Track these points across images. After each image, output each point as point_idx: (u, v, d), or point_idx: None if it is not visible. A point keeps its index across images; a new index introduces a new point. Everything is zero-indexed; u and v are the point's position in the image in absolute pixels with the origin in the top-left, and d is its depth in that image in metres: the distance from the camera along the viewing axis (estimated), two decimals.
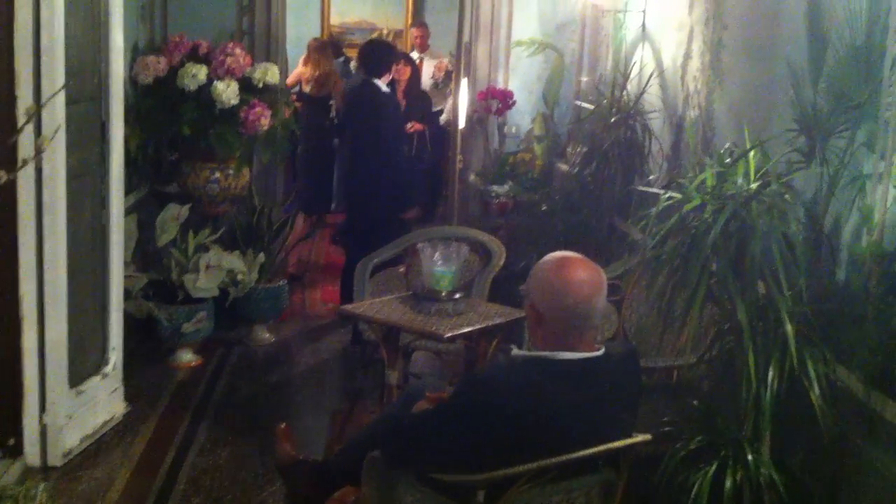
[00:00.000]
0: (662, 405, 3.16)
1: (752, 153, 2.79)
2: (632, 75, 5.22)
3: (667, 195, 2.73)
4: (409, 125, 7.93)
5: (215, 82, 5.47)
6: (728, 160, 2.84)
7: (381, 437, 2.71)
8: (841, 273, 3.09)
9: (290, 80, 9.13)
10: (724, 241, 2.66)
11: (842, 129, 3.15)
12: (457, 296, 3.82)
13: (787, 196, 2.79)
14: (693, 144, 3.74)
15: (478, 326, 3.66)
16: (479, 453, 2.39)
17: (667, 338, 3.53)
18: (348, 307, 3.95)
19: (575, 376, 2.43)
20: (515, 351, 2.56)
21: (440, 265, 3.80)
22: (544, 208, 5.31)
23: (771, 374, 2.63)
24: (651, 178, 4.60)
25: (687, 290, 2.63)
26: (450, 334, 3.54)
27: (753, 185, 2.70)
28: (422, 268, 3.95)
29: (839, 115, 3.17)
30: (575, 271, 2.44)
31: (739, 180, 2.70)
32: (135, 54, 5.59)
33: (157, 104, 5.50)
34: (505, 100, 6.34)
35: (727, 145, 3.04)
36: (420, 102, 8.01)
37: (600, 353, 2.49)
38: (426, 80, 8.58)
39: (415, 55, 8.73)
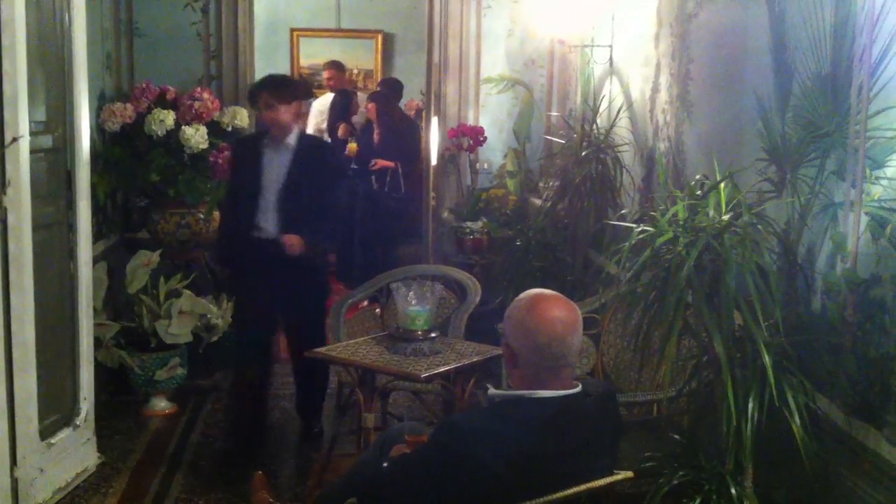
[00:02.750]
0: (643, 440, 3.12)
1: (722, 185, 2.78)
2: (601, 109, 5.24)
3: (639, 229, 2.71)
4: (372, 162, 7.95)
5: (183, 127, 5.45)
6: (699, 192, 2.83)
7: (359, 485, 2.65)
8: (816, 302, 3.08)
9: None
10: (698, 273, 2.64)
11: (811, 158, 3.16)
12: (433, 335, 3.78)
13: (759, 226, 2.78)
14: (664, 177, 3.75)
15: (455, 365, 3.62)
16: (457, 500, 2.34)
17: (645, 372, 3.51)
18: (321, 350, 3.89)
19: (553, 415, 2.39)
20: (492, 391, 2.52)
21: (415, 304, 3.76)
22: (518, 243, 5.29)
23: (751, 405, 2.60)
24: (624, 211, 4.60)
25: (663, 324, 2.60)
26: (426, 374, 3.49)
27: (725, 217, 2.70)
28: (396, 307, 3.91)
29: (808, 144, 3.18)
30: (549, 309, 2.41)
31: (711, 212, 2.69)
32: (101, 102, 5.57)
33: (126, 151, 5.48)
34: (476, 136, 6.35)
35: (697, 177, 3.04)
36: (397, 138, 7.96)
37: (577, 390, 2.46)
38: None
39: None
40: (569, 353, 2.43)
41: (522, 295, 2.47)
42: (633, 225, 2.74)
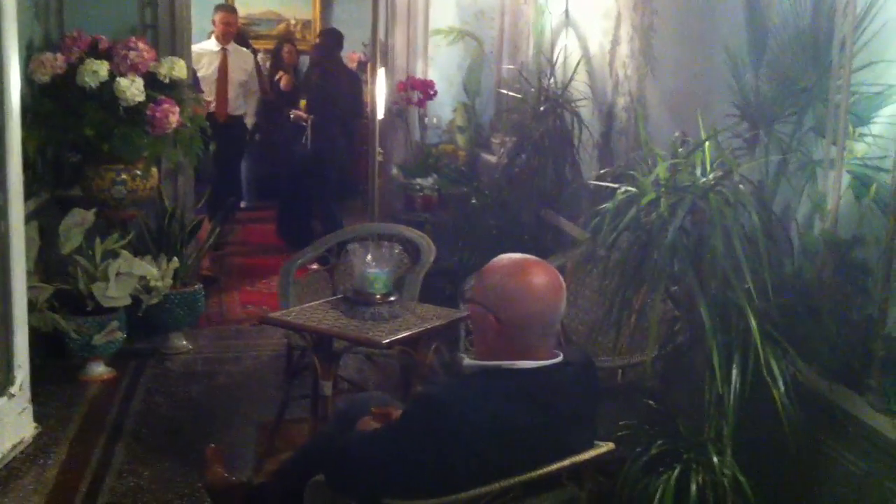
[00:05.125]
0: (614, 407, 3.01)
1: (707, 143, 2.65)
2: (557, 63, 5.08)
3: (623, 190, 2.58)
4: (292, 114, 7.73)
5: (118, 79, 5.14)
6: (681, 150, 2.70)
7: (326, 461, 2.50)
8: (790, 263, 2.99)
9: None
10: (682, 236, 2.52)
11: (787, 115, 3.06)
12: (392, 298, 3.62)
13: (741, 186, 2.66)
14: (645, 136, 3.55)
15: (417, 330, 3.46)
16: (436, 476, 2.21)
17: (609, 336, 3.41)
18: (276, 315, 3.70)
19: (535, 387, 2.26)
20: (467, 361, 2.37)
21: (373, 267, 3.59)
22: (474, 202, 5.13)
23: (734, 373, 2.51)
24: (583, 168, 4.48)
25: (644, 288, 2.48)
26: (388, 340, 3.33)
27: (711, 176, 2.58)
28: (353, 270, 3.73)
29: (784, 99, 3.08)
30: (536, 275, 2.27)
31: (698, 171, 2.56)
32: (30, 52, 5.24)
33: (57, 104, 5.14)
34: (426, 90, 6.15)
35: (676, 134, 2.91)
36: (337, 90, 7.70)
37: (559, 359, 2.33)
38: (234, 76, 7.71)
39: (213, 46, 7.69)
40: (558, 320, 2.31)
41: (501, 261, 2.32)
42: (614, 185, 2.60)
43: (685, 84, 3.92)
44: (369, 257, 3.57)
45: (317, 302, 3.84)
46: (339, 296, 3.87)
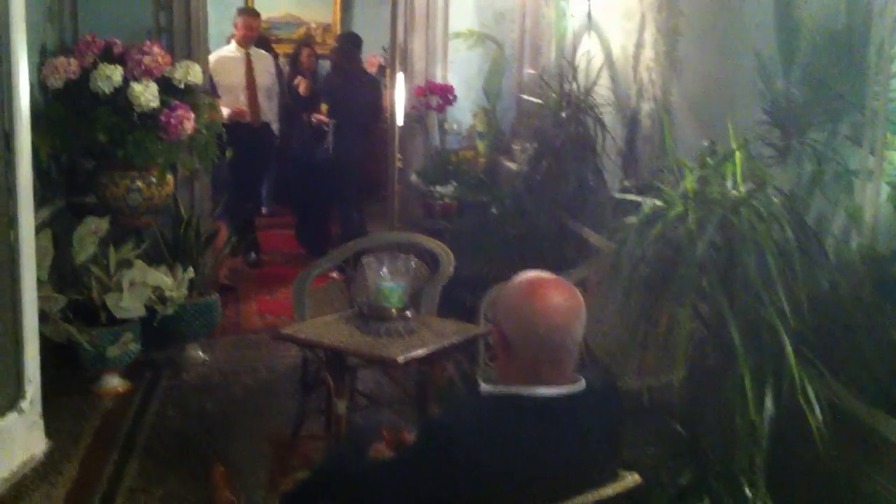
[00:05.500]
0: (640, 431, 2.87)
1: (738, 152, 2.51)
2: (579, 67, 4.94)
3: (650, 203, 2.44)
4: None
5: (132, 83, 5.04)
6: (710, 161, 2.56)
7: (338, 489, 2.38)
8: (825, 280, 2.83)
9: None
10: (711, 251, 2.38)
11: (822, 122, 2.91)
12: (408, 313, 3.49)
13: (774, 199, 2.52)
14: (671, 144, 3.37)
15: (433, 347, 3.33)
16: None
17: (634, 355, 3.26)
18: (287, 330, 3.58)
19: (553, 417, 2.13)
20: (484, 386, 2.24)
21: (389, 280, 3.47)
22: (494, 211, 4.99)
23: (768, 399, 2.36)
24: (607, 175, 4.34)
25: (671, 306, 2.34)
26: (403, 358, 3.21)
27: (743, 189, 2.43)
28: (367, 283, 3.61)
29: (817, 106, 2.93)
30: (549, 295, 2.14)
31: (728, 183, 2.42)
32: (42, 56, 5.16)
33: (70, 110, 5.05)
34: (445, 95, 6.01)
35: (705, 143, 2.77)
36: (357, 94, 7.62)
37: (580, 387, 2.19)
38: (260, 81, 7.44)
39: (235, 52, 7.41)
40: (570, 344, 2.17)
41: (518, 278, 2.19)
42: (639, 198, 2.46)
43: (712, 89, 3.77)
44: (384, 271, 3.45)
45: (331, 316, 3.72)
46: (355, 309, 3.74)
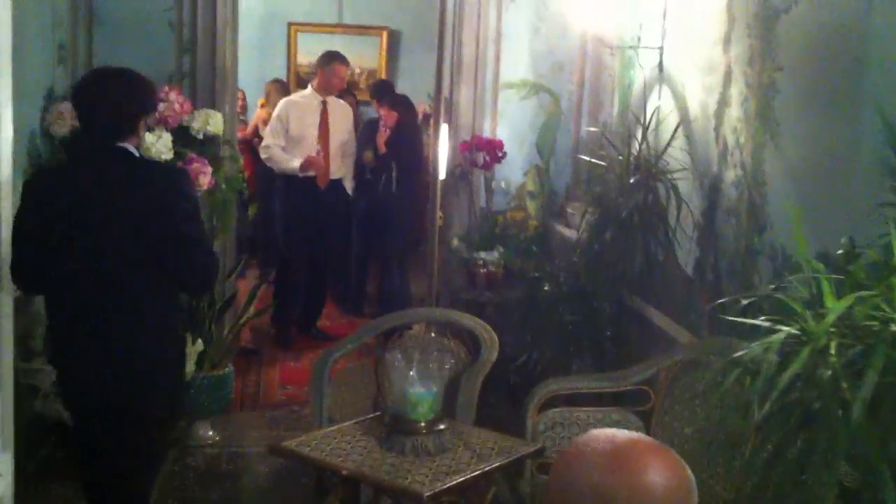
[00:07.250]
0: None
1: None
2: (650, 125, 4.30)
3: (779, 330, 1.77)
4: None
5: (144, 133, 4.52)
6: (853, 268, 1.89)
7: None
8: None
9: (248, 129, 8.17)
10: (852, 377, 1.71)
11: None
12: (440, 426, 2.84)
13: None
14: (803, 244, 2.60)
15: (470, 474, 2.68)
16: None
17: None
18: (291, 444, 2.93)
19: None
20: None
21: (417, 385, 2.82)
22: (547, 289, 4.33)
23: None
24: (679, 252, 3.69)
25: (818, 450, 1.66)
26: (430, 492, 2.55)
27: None
28: (392, 385, 2.97)
29: None
30: (651, 471, 1.46)
31: (885, 306, 1.75)
32: (48, 102, 4.68)
33: None
34: (493, 151, 5.39)
35: (843, 240, 2.11)
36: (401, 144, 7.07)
37: None
38: (335, 135, 6.69)
39: (310, 97, 6.64)
40: None
41: (595, 444, 1.51)
42: (760, 322, 1.80)
43: (818, 156, 3.11)
44: (413, 373, 2.80)
45: (349, 423, 3.07)
46: (378, 414, 3.09)
